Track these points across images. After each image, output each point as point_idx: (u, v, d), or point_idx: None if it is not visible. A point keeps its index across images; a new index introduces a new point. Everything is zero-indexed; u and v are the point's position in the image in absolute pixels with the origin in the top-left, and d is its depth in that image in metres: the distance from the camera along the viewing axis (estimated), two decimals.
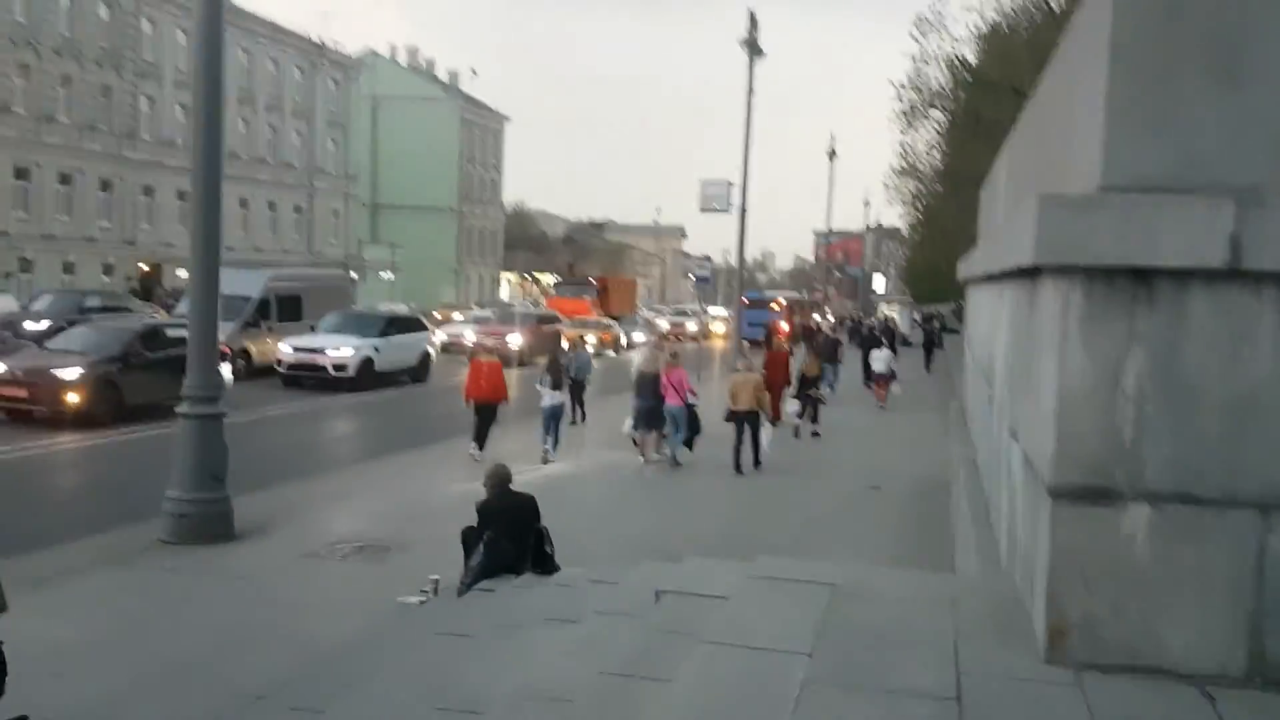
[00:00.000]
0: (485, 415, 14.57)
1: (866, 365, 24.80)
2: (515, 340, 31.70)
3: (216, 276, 9.89)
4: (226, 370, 15.08)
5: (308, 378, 22.13)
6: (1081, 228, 3.81)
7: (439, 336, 37.05)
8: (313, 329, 24.40)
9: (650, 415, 14.24)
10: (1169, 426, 3.83)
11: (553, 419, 14.95)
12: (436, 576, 8.16)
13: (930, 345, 34.69)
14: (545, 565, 7.84)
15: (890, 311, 50.71)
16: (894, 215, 53.49)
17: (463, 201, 75.79)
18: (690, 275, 33.65)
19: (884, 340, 26.86)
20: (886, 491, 13.57)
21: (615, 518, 11.99)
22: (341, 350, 22.23)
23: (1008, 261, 5.44)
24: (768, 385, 15.63)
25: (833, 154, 52.87)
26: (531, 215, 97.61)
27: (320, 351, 21.50)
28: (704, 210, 32.60)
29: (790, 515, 12.14)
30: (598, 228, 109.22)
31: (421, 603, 7.91)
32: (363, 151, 70.88)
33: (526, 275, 79.44)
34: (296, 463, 15.00)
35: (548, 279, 73.12)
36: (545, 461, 14.56)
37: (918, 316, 53.49)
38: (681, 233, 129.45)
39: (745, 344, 31.11)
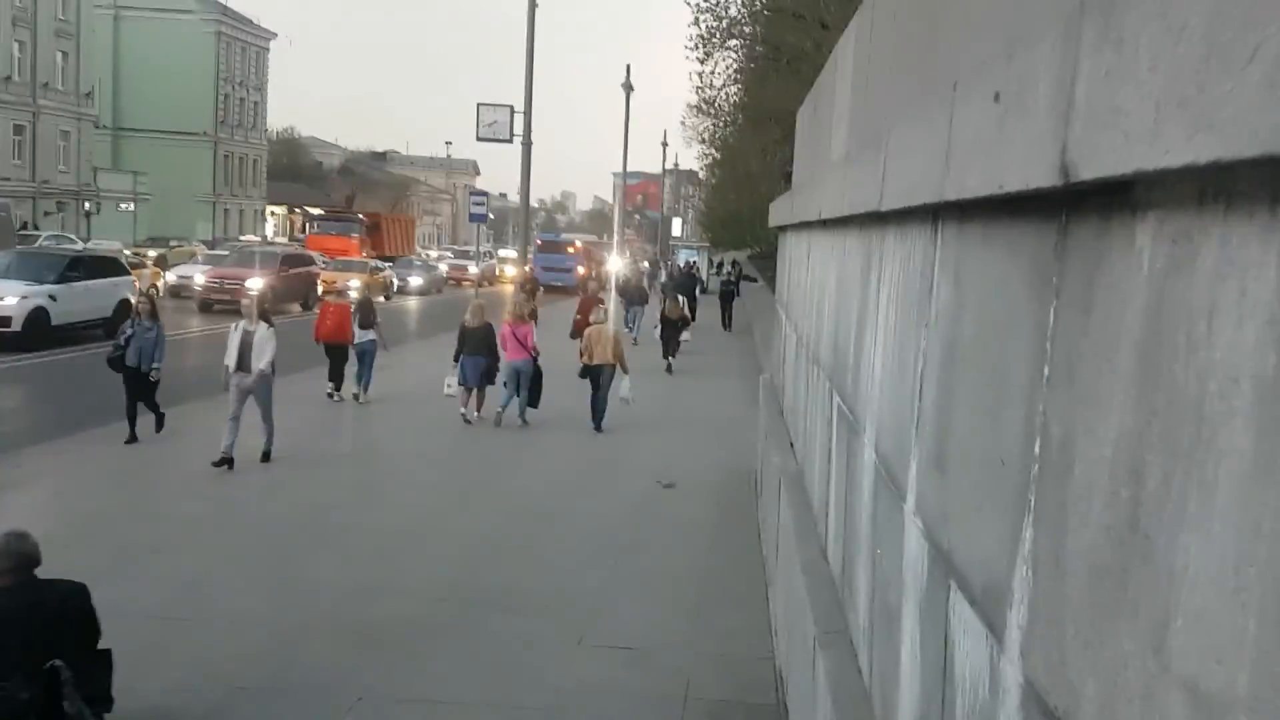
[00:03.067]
0: (336, 355, 14.96)
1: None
2: (255, 285, 27.04)
3: None
4: None
5: None
6: None
7: (169, 278, 31.82)
8: None
9: (475, 371, 13.49)
10: None
11: (363, 358, 14.87)
12: None
13: (729, 297, 30.39)
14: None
15: (693, 258, 48.32)
16: (692, 157, 51.13)
17: (219, 126, 68.23)
18: (471, 213, 29.59)
19: (681, 290, 25.87)
20: (683, 491, 10.79)
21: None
22: (3, 299, 17.39)
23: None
24: (580, 330, 15.48)
25: (629, 88, 49.71)
26: (303, 144, 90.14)
27: None
28: (481, 139, 28.76)
29: (565, 531, 9.14)
30: (380, 158, 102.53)
31: None
32: (102, 68, 62.23)
33: (296, 209, 72.71)
34: None
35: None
36: (357, 400, 14.73)
37: (716, 264, 51.66)
38: (475, 168, 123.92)
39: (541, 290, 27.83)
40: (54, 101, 53.21)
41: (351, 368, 14.99)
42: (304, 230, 50.73)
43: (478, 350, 13.45)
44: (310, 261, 31.89)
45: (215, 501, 9.46)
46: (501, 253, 55.14)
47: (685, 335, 22.22)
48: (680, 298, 23.57)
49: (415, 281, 39.39)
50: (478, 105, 29.47)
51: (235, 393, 10.96)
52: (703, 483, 11.11)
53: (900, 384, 3.26)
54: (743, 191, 30.47)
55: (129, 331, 11.84)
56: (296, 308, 29.41)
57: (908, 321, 3.20)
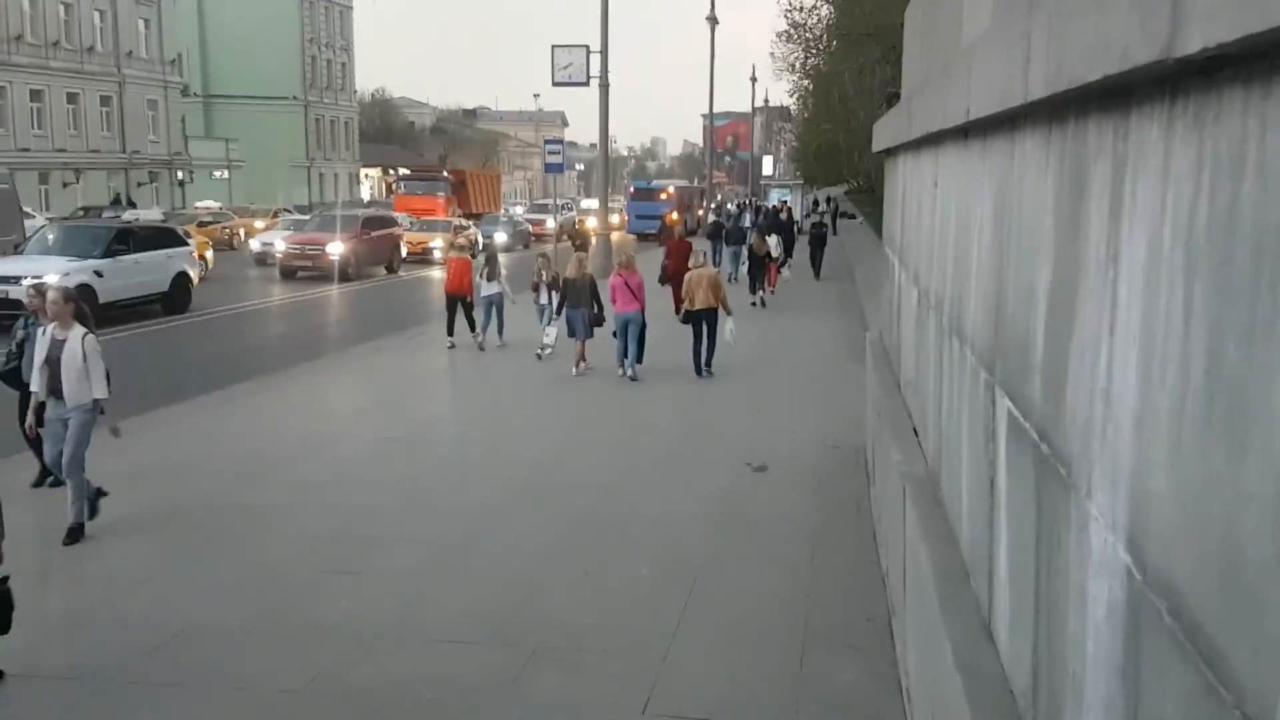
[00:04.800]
0: (453, 306, 15.44)
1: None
2: (336, 249, 26.00)
3: None
4: None
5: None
6: None
7: (254, 246, 31.08)
8: (16, 249, 18.56)
9: (587, 324, 13.28)
10: None
11: (492, 307, 15.35)
12: None
13: (820, 240, 26.14)
14: None
15: (785, 198, 45.83)
16: (782, 91, 48.12)
17: (309, 90, 67.88)
18: (547, 162, 27.92)
19: (774, 229, 24.12)
20: (777, 473, 9.05)
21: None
22: (43, 279, 16.38)
23: None
24: (672, 275, 15.89)
25: (714, 20, 47.22)
26: (395, 105, 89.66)
27: (13, 281, 15.54)
28: (557, 84, 26.99)
29: (631, 540, 7.51)
30: (470, 116, 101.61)
31: None
32: (188, 35, 62.31)
33: (390, 170, 72.31)
34: None
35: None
36: (481, 348, 15.23)
37: (811, 203, 49.03)
38: (563, 119, 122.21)
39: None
40: (139, 70, 53.24)
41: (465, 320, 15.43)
42: (388, 189, 49.99)
43: (580, 302, 13.29)
44: (393, 223, 30.73)
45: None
46: (584, 203, 53.39)
47: (785, 273, 22.68)
48: (775, 236, 22.50)
49: (500, 238, 38.07)
50: (552, 47, 27.72)
51: (51, 433, 7.25)
52: (800, 462, 9.34)
53: (1206, 437, 1.48)
54: (838, 119, 28.01)
55: (20, 334, 8.14)
56: (381, 271, 28.39)
57: (1225, 301, 1.42)
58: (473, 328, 15.25)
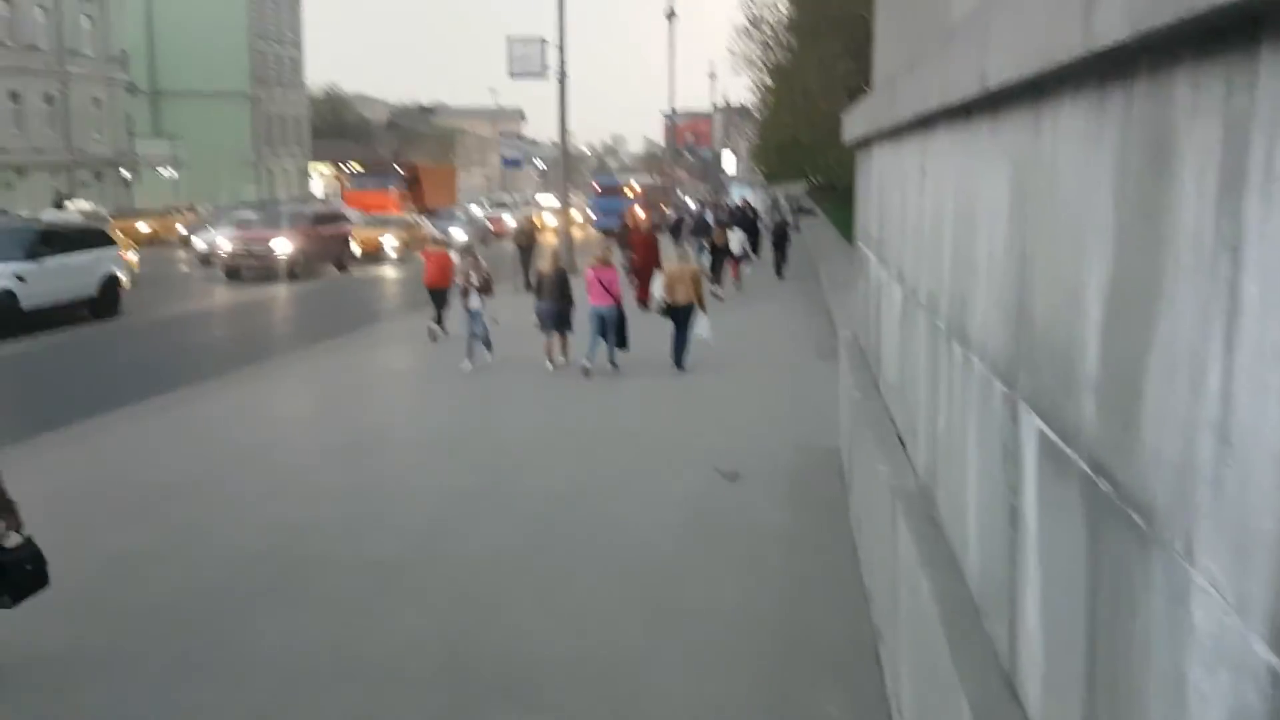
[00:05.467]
0: (438, 298, 15.54)
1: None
2: (283, 246, 25.10)
3: None
4: None
5: None
6: None
7: (198, 245, 30.07)
8: None
9: (553, 317, 13.11)
10: None
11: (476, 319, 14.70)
12: None
13: (783, 237, 25.01)
14: None
15: (747, 195, 45.59)
16: (742, 88, 47.59)
17: (257, 85, 66.42)
18: (503, 156, 27.23)
19: (740, 225, 24.18)
20: (748, 478, 8.57)
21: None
22: None
23: None
24: (640, 269, 16.31)
25: (672, 13, 46.78)
26: (348, 101, 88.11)
27: None
28: (514, 75, 26.37)
29: (589, 552, 6.98)
30: (427, 112, 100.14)
31: None
32: (135, 31, 60.71)
33: (342, 166, 70.99)
34: None
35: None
36: (433, 339, 15.35)
37: (772, 200, 48.76)
38: (521, 115, 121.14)
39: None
40: (83, 68, 51.70)
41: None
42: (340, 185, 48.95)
43: (551, 295, 13.06)
44: (342, 219, 29.84)
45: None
46: (541, 198, 52.68)
47: (746, 269, 22.60)
48: (739, 232, 22.84)
49: (456, 234, 37.31)
50: (508, 39, 27.12)
51: None
52: (772, 466, 8.87)
53: None
54: (799, 113, 27.57)
55: None
56: (332, 269, 27.55)
57: None
58: (440, 321, 15.47)
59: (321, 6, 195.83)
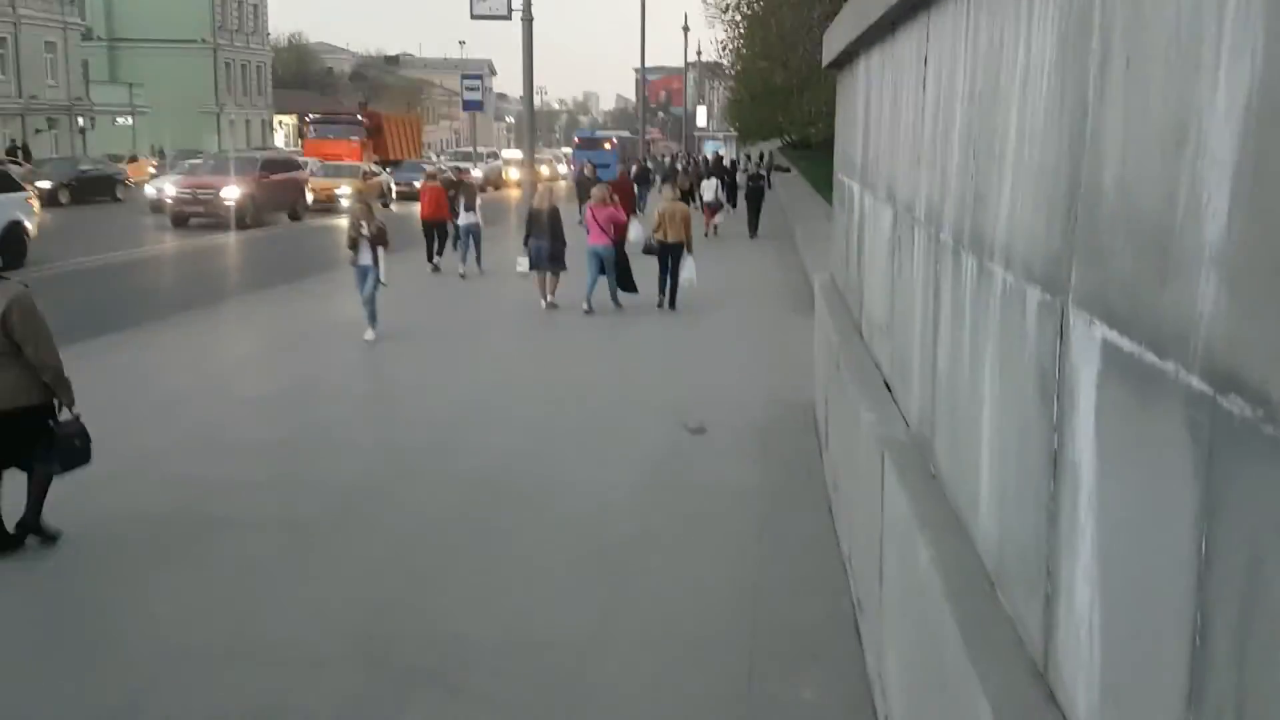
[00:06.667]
0: (434, 233, 16.75)
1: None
2: (231, 193, 23.93)
3: None
4: None
5: None
6: None
7: (149, 192, 28.75)
8: None
9: (546, 256, 13.17)
10: None
11: (469, 235, 16.31)
12: None
13: (757, 194, 23.34)
14: None
15: (720, 151, 45.01)
16: (716, 40, 46.29)
17: (218, 32, 64.33)
18: (464, 99, 26.11)
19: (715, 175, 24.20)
20: (716, 434, 7.84)
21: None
22: None
23: None
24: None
25: None
26: (312, 50, 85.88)
27: None
28: (476, 16, 25.10)
29: (545, 516, 6.24)
30: (393, 63, 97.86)
31: None
32: None
33: (306, 118, 69.26)
34: None
35: None
36: (463, 276, 16.01)
37: (745, 157, 48.02)
38: (491, 68, 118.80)
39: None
40: (35, 10, 49.64)
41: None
42: (301, 136, 47.56)
43: (543, 233, 13.09)
44: (295, 166, 28.58)
45: None
46: (506, 154, 51.46)
47: (718, 219, 22.36)
48: (714, 180, 22.97)
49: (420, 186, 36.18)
50: None
51: None
52: (743, 420, 8.14)
53: None
54: (775, 55, 26.57)
55: None
56: (284, 218, 26.42)
57: None
58: (439, 253, 16.52)
59: None
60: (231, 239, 22.36)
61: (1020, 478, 2.50)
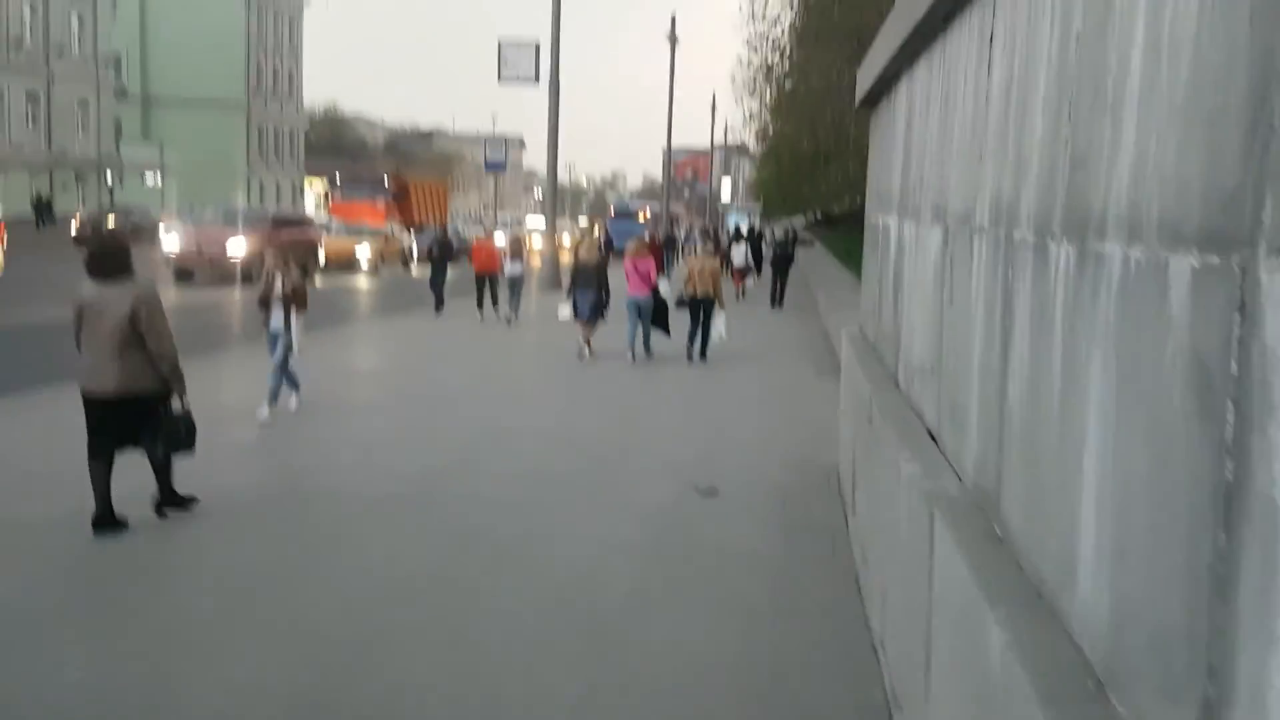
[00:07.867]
0: (481, 283, 17.57)
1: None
2: (237, 247, 23.11)
3: None
4: None
5: None
6: None
7: (165, 246, 28.33)
8: None
9: (590, 306, 13.55)
10: None
11: (514, 286, 17.29)
12: None
13: (784, 262, 22.21)
14: None
15: (742, 223, 45.24)
16: (742, 120, 46.29)
17: (253, 96, 65.28)
18: (486, 160, 25.79)
19: (745, 240, 24.64)
20: (730, 496, 7.05)
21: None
22: None
23: None
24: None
25: (674, 39, 45.71)
26: (347, 120, 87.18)
27: None
28: (504, 81, 25.01)
29: (529, 584, 5.46)
30: (425, 137, 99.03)
31: None
32: (129, 34, 59.72)
33: (334, 180, 69.79)
34: None
35: None
36: (509, 323, 16.93)
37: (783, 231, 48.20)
38: (521, 143, 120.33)
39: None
40: (70, 68, 50.52)
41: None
42: (328, 199, 47.72)
43: (588, 284, 13.48)
44: (309, 224, 28.00)
45: None
46: (529, 220, 51.38)
47: (748, 282, 22.99)
48: (744, 245, 23.74)
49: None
50: (499, 43, 25.83)
51: None
52: (760, 484, 7.35)
53: None
54: (802, 120, 26.18)
55: None
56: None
57: None
58: (494, 303, 17.43)
59: (325, 26, 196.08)
60: (224, 296, 20.70)
61: (1157, 530, 1.76)
